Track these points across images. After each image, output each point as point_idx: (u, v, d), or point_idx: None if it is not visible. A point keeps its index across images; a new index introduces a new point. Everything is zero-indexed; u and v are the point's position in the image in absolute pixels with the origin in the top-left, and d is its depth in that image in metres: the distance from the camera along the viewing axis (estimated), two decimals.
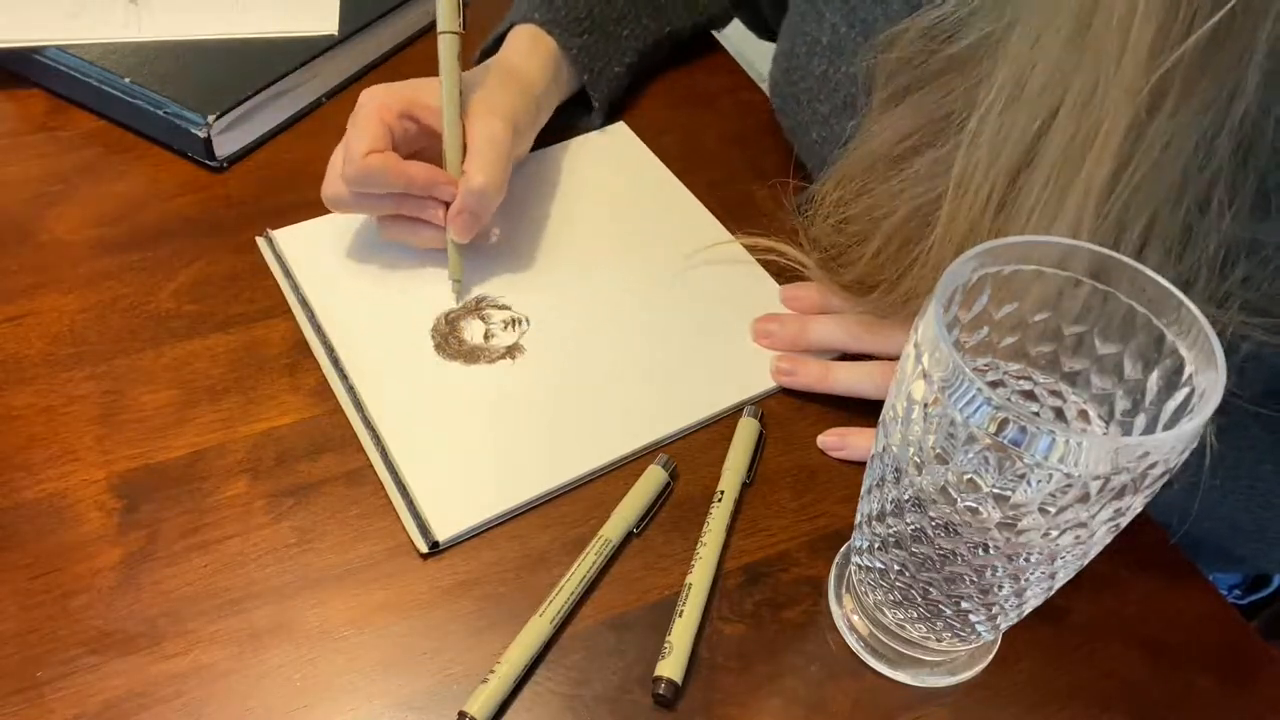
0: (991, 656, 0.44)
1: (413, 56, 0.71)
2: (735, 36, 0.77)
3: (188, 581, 0.43)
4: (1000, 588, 0.36)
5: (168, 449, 0.48)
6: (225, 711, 0.40)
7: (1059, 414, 0.38)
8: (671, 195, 0.61)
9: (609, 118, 0.66)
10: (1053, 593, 0.37)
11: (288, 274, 0.55)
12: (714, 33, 0.74)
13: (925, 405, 0.33)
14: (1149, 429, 0.35)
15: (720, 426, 0.50)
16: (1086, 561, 0.35)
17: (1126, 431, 0.36)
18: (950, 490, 0.33)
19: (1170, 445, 0.30)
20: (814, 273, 0.53)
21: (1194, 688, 0.43)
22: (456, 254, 0.54)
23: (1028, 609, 0.38)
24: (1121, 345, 0.36)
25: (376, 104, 0.52)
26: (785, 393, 0.52)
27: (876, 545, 0.39)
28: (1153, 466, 0.30)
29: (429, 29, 0.73)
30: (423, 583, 0.44)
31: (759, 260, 0.57)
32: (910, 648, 0.42)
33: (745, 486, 0.48)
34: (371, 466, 0.48)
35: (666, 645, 0.42)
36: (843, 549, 0.46)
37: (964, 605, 0.38)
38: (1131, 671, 0.44)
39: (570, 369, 0.52)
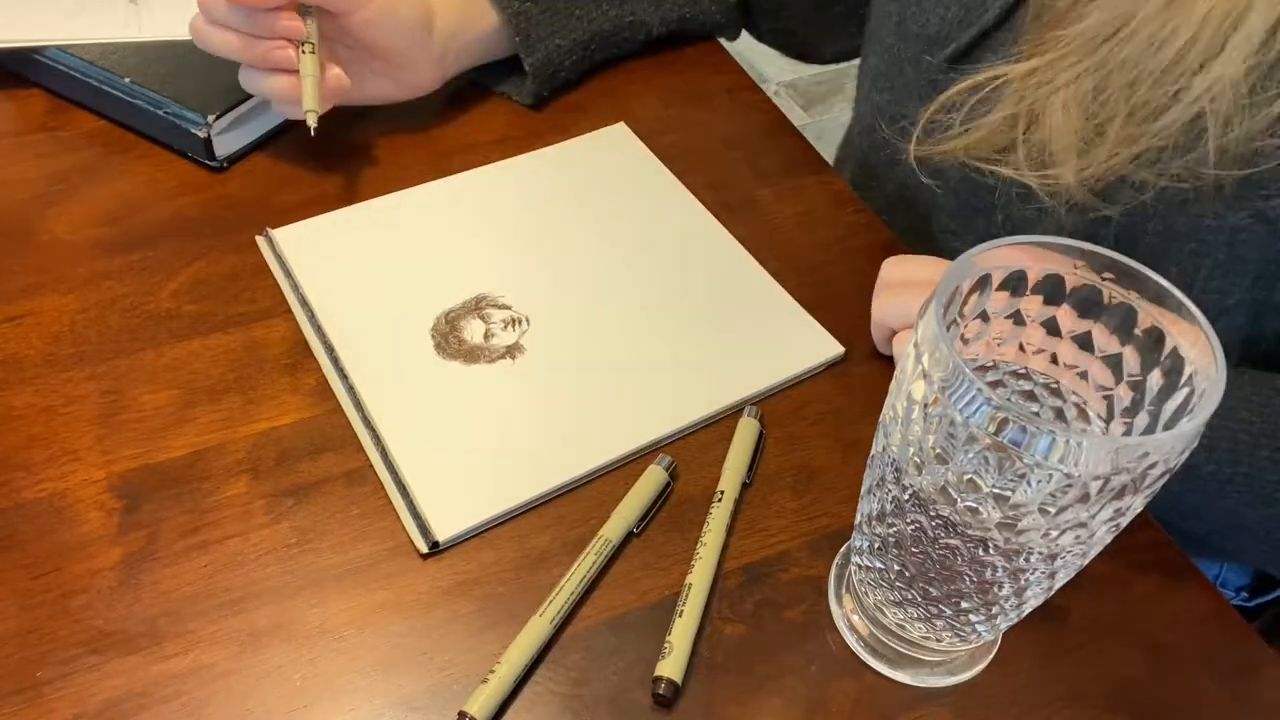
0: (991, 656, 0.44)
1: None
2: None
3: (188, 581, 0.43)
4: (1000, 588, 0.36)
5: (168, 449, 0.48)
6: (225, 711, 0.40)
7: (1059, 414, 0.38)
8: (671, 195, 0.61)
9: (551, 95, 0.67)
10: (1053, 593, 0.37)
11: (288, 274, 0.55)
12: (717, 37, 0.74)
13: (925, 405, 0.33)
14: (1149, 429, 0.35)
15: (720, 426, 0.50)
16: (1086, 561, 0.35)
17: (1126, 431, 0.36)
18: (950, 490, 0.33)
19: (1170, 445, 0.30)
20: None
21: (1194, 688, 0.43)
22: (312, 86, 0.55)
23: (1028, 609, 0.38)
24: (1121, 345, 0.36)
25: None
26: (785, 393, 0.52)
27: (876, 545, 0.39)
28: (1153, 466, 0.30)
29: None
30: (423, 583, 0.44)
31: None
32: (910, 648, 0.42)
33: (745, 486, 0.48)
34: (371, 466, 0.48)
35: (666, 645, 0.42)
36: (843, 549, 0.46)
37: (964, 605, 0.38)
38: (1131, 671, 0.44)
39: (570, 369, 0.52)
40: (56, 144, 0.62)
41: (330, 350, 0.51)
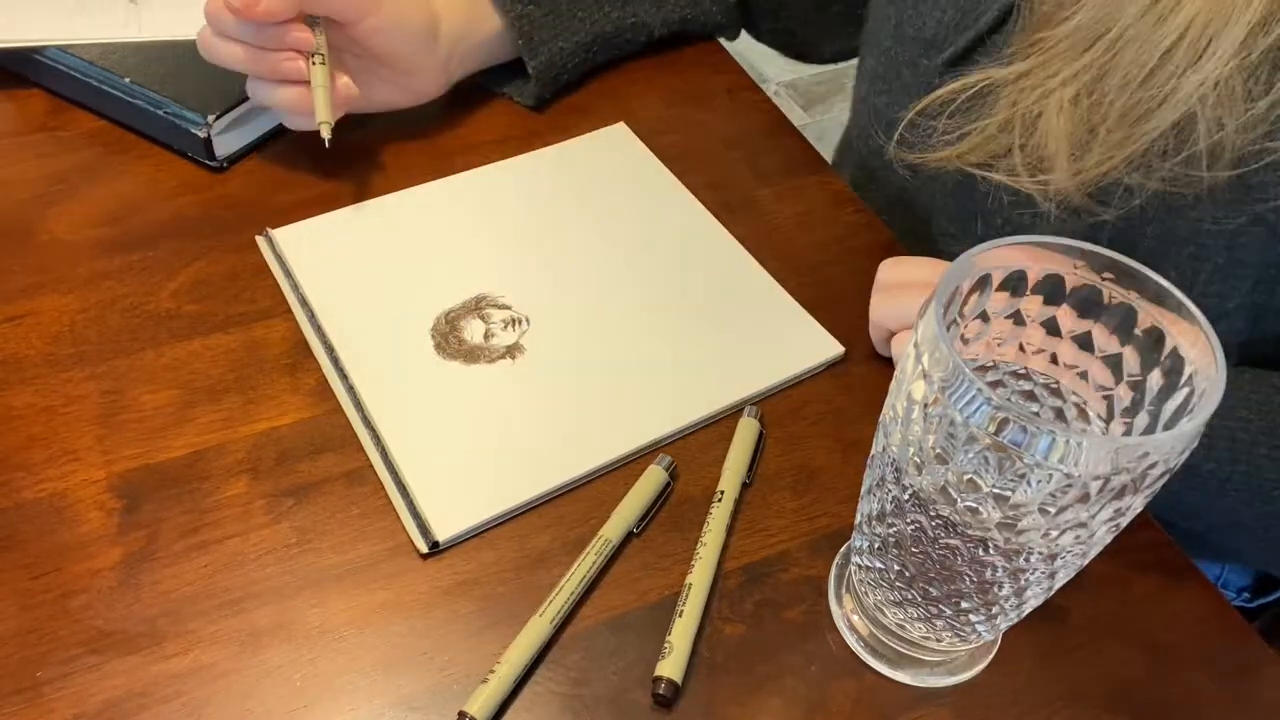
0: (991, 656, 0.44)
1: None
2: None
3: (188, 581, 0.43)
4: (1000, 588, 0.36)
5: (168, 449, 0.48)
6: (225, 711, 0.40)
7: (1059, 414, 0.38)
8: (671, 195, 0.61)
9: (554, 97, 0.67)
10: (1053, 593, 0.37)
11: (288, 274, 0.55)
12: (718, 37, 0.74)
13: (925, 405, 0.33)
14: (1149, 429, 0.35)
15: (720, 426, 0.50)
16: (1086, 561, 0.35)
17: (1126, 431, 0.36)
18: (950, 490, 0.33)
19: (1170, 445, 0.30)
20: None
21: (1194, 688, 0.43)
22: (324, 97, 0.55)
23: (1028, 609, 0.38)
24: (1121, 345, 0.36)
25: None
26: (785, 393, 0.52)
27: (876, 545, 0.39)
28: (1153, 466, 0.30)
29: None
30: (423, 583, 0.44)
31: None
32: (910, 648, 0.42)
33: (745, 486, 0.48)
34: (371, 466, 0.48)
35: (666, 645, 0.42)
36: (843, 549, 0.46)
37: (964, 605, 0.38)
38: (1131, 671, 0.44)
39: (570, 369, 0.52)
40: (56, 144, 0.62)
41: (330, 350, 0.51)
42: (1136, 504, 0.32)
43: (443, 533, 0.45)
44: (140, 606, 0.42)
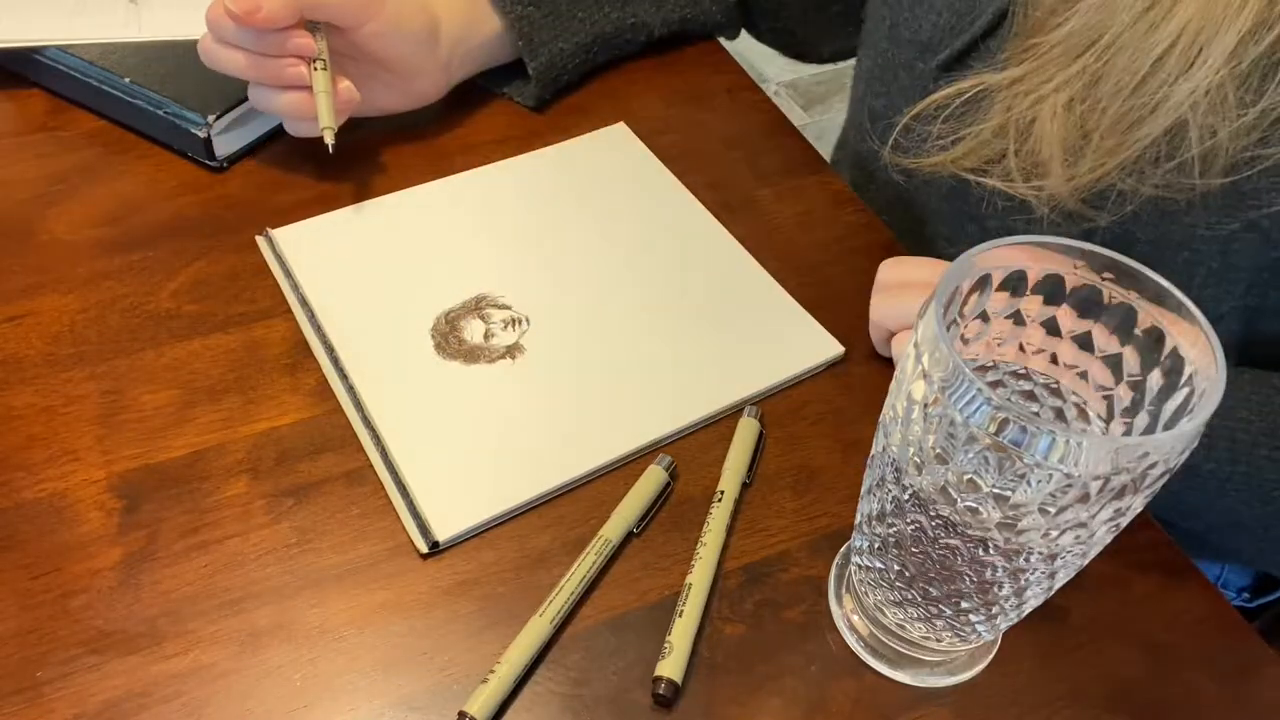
0: (991, 656, 0.44)
1: None
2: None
3: (188, 581, 0.43)
4: (1000, 588, 0.36)
5: (168, 449, 0.48)
6: (225, 711, 0.40)
7: (1059, 414, 0.38)
8: (671, 195, 0.61)
9: (554, 97, 0.67)
10: (1053, 593, 0.37)
11: (288, 274, 0.55)
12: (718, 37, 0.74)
13: (925, 405, 0.33)
14: (1149, 429, 0.35)
15: (720, 426, 0.50)
16: (1086, 561, 0.35)
17: (1126, 431, 0.36)
18: (950, 490, 0.33)
19: (1170, 445, 0.30)
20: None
21: (1194, 688, 0.43)
22: (326, 102, 0.55)
23: (1028, 609, 0.38)
24: (1121, 345, 0.36)
25: None
26: (785, 393, 0.52)
27: (876, 545, 0.39)
28: (1153, 466, 0.30)
29: None
30: (423, 583, 0.44)
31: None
32: (910, 648, 0.42)
33: (745, 486, 0.48)
34: (371, 466, 0.48)
35: (666, 645, 0.42)
36: (843, 549, 0.46)
37: (964, 605, 0.38)
38: (1131, 671, 0.44)
39: (570, 369, 0.52)
40: (56, 144, 0.62)
41: (330, 350, 0.51)
42: (1136, 504, 0.32)
43: (443, 533, 0.45)
44: (140, 606, 0.42)
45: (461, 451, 0.48)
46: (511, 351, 0.52)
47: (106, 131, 0.63)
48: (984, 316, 0.37)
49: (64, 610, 0.42)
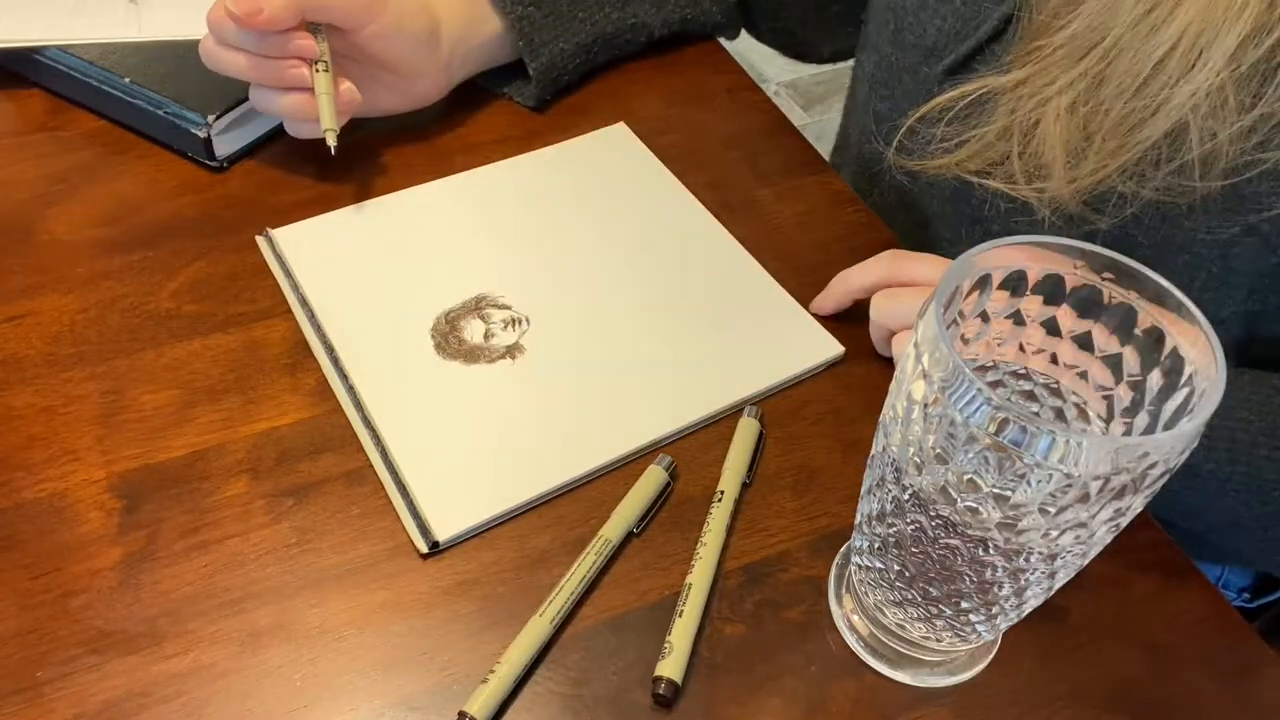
0: (991, 656, 0.44)
1: None
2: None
3: (188, 581, 0.43)
4: (1000, 588, 0.36)
5: (168, 449, 0.48)
6: (225, 711, 0.40)
7: (1059, 414, 0.38)
8: (671, 195, 0.61)
9: (554, 97, 0.67)
10: (1053, 593, 0.37)
11: (288, 274, 0.55)
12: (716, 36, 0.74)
13: (925, 405, 0.33)
14: (1149, 429, 0.35)
15: (720, 426, 0.50)
16: (1086, 561, 0.35)
17: (1126, 431, 0.36)
18: (950, 490, 0.33)
19: (1170, 445, 0.30)
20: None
21: (1194, 688, 0.43)
22: (328, 104, 0.55)
23: (1028, 609, 0.38)
24: (1121, 345, 0.36)
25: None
26: (785, 393, 0.52)
27: (876, 545, 0.39)
28: (1153, 466, 0.30)
29: None
30: (423, 583, 0.44)
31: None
32: (910, 648, 0.42)
33: (745, 486, 0.48)
34: (371, 466, 0.48)
35: (666, 645, 0.42)
36: (843, 549, 0.46)
37: (964, 605, 0.38)
38: (1131, 671, 0.44)
39: (570, 369, 0.52)
40: (56, 144, 0.62)
41: (330, 350, 0.51)
42: (1136, 504, 0.32)
43: (443, 533, 0.45)
44: (140, 606, 0.42)
45: (461, 451, 0.48)
46: (511, 351, 0.52)
47: (106, 131, 0.63)
48: (984, 316, 0.37)
49: (64, 610, 0.42)
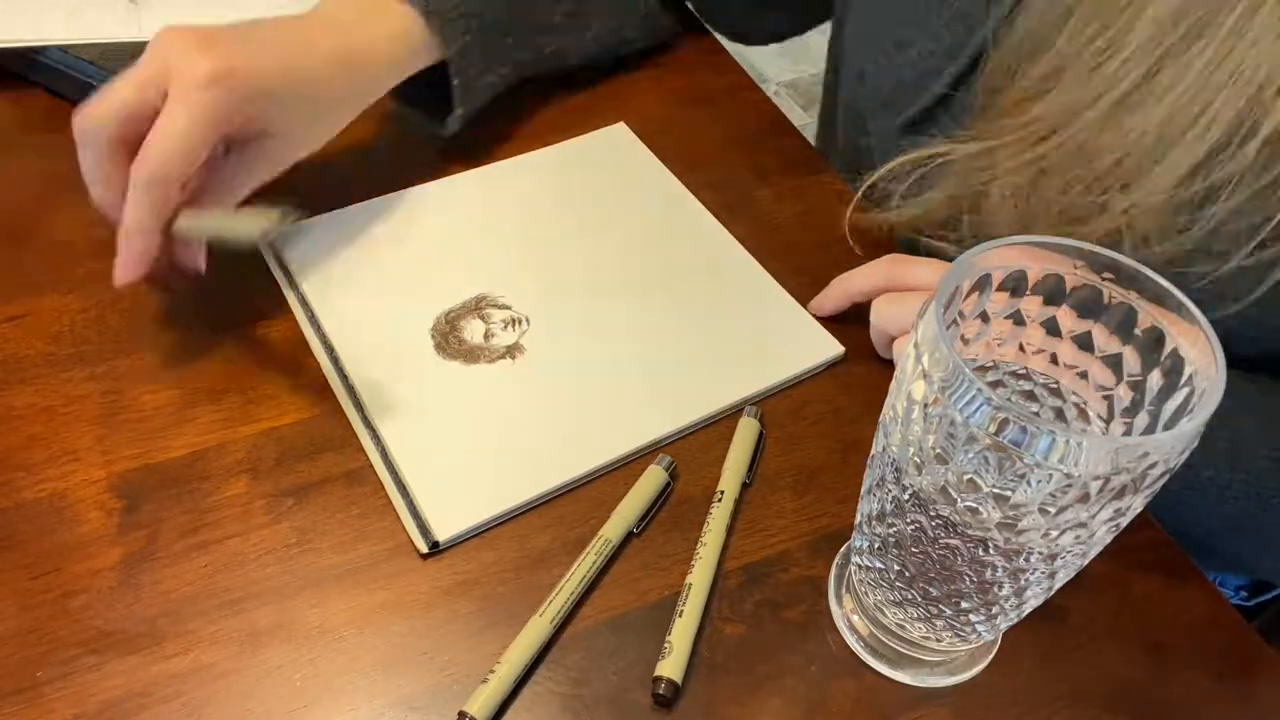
0: (991, 656, 0.44)
1: None
2: None
3: (188, 581, 0.43)
4: (1000, 588, 0.36)
5: (168, 449, 0.48)
6: (225, 711, 0.40)
7: (1059, 414, 0.38)
8: (671, 195, 0.61)
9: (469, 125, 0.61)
10: (1053, 593, 0.37)
11: (288, 274, 0.55)
12: (714, 32, 0.74)
13: (925, 405, 0.33)
14: (1149, 429, 0.35)
15: (720, 426, 0.50)
16: (1086, 561, 0.35)
17: (1126, 431, 0.36)
18: (950, 490, 0.33)
19: (1170, 445, 0.30)
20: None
21: (1194, 688, 0.43)
22: (235, 220, 0.48)
23: (1028, 609, 0.38)
24: (1121, 345, 0.36)
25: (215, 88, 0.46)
26: (785, 393, 0.52)
27: (876, 545, 0.39)
28: (1153, 466, 0.30)
29: None
30: (423, 583, 0.44)
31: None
32: (910, 648, 0.42)
33: (745, 486, 0.48)
34: (371, 466, 0.48)
35: (666, 645, 0.42)
36: (843, 549, 0.46)
37: (964, 605, 0.38)
38: (1131, 671, 0.44)
39: (570, 369, 0.52)
40: (56, 144, 0.62)
41: (330, 350, 0.51)
42: (1136, 504, 0.32)
43: (443, 533, 0.45)
44: (140, 606, 0.42)
45: (461, 451, 0.48)
46: (511, 351, 0.52)
47: None
48: (984, 317, 0.37)
49: (64, 610, 0.42)
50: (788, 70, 2.01)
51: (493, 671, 0.40)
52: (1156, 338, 0.34)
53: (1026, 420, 0.30)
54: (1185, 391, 0.33)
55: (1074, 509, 0.32)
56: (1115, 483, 0.30)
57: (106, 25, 0.64)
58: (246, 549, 0.44)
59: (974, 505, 0.33)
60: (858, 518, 0.40)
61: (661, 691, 0.41)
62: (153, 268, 0.48)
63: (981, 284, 0.35)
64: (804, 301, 0.55)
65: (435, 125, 0.61)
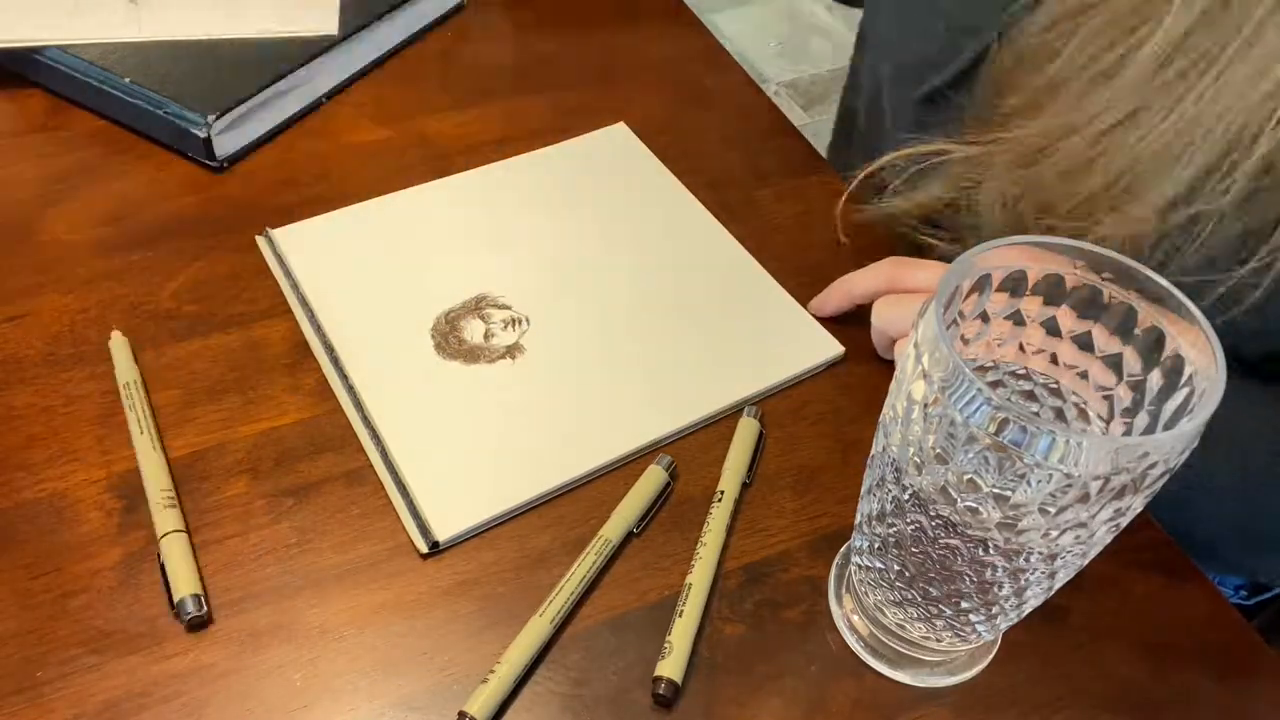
0: (991, 656, 0.44)
1: (413, 56, 0.71)
2: (736, 36, 0.77)
3: None
4: (1000, 588, 0.36)
5: (168, 449, 0.48)
6: (225, 711, 0.40)
7: (1059, 414, 0.38)
8: (671, 195, 0.61)
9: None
10: (1053, 593, 0.37)
11: (288, 274, 0.55)
12: (714, 32, 0.74)
13: (925, 405, 0.33)
14: (1149, 429, 0.35)
15: (720, 426, 0.50)
16: (1086, 561, 0.35)
17: (1126, 431, 0.36)
18: (950, 490, 0.33)
19: (1170, 445, 0.30)
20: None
21: (1194, 688, 0.43)
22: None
23: (1028, 609, 0.38)
24: (1121, 345, 0.36)
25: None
26: (785, 393, 0.52)
27: (876, 545, 0.39)
28: (1153, 466, 0.30)
29: (430, 28, 0.73)
30: (423, 583, 0.44)
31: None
32: (910, 648, 0.42)
33: (745, 486, 0.48)
34: (371, 466, 0.48)
35: (666, 645, 0.42)
36: (843, 549, 0.46)
37: (964, 605, 0.38)
38: (1131, 671, 0.44)
39: (570, 369, 0.52)
40: (56, 144, 0.62)
41: (330, 350, 0.51)
42: (1136, 504, 0.32)
43: (443, 533, 0.45)
44: (140, 606, 0.42)
45: (461, 451, 0.48)
46: (511, 351, 0.52)
47: (106, 131, 0.63)
48: (984, 317, 0.37)
49: (64, 610, 0.42)
50: (788, 70, 2.01)
51: (493, 671, 0.40)
52: (1156, 338, 0.34)
53: (1026, 420, 0.30)
54: (1185, 391, 0.33)
55: (1074, 509, 0.31)
56: (1115, 483, 0.30)
57: (106, 25, 0.64)
58: (246, 549, 0.44)
59: (974, 505, 0.33)
60: (858, 518, 0.40)
61: (661, 691, 0.41)
62: None
63: (981, 284, 0.35)
64: (804, 301, 0.56)
65: None
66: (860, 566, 0.42)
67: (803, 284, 0.56)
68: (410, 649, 0.42)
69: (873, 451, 0.38)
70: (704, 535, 0.45)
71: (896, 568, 0.38)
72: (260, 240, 0.57)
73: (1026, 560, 0.34)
